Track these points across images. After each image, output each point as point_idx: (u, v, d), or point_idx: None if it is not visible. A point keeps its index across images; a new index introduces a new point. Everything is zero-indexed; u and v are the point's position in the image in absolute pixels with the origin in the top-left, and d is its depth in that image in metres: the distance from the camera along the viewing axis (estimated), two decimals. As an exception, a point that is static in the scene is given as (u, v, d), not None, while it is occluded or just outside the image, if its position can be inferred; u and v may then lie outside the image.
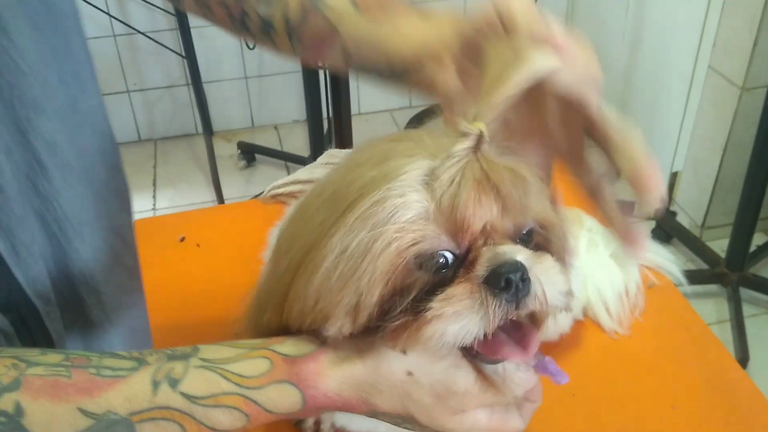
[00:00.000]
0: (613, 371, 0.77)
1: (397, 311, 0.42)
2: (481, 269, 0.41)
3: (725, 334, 1.81)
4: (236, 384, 0.41)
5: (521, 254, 0.42)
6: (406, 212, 0.40)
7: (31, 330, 0.50)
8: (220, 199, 2.27)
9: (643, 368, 0.78)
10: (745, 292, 1.92)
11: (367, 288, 0.41)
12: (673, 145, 2.21)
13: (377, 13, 0.56)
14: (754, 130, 1.74)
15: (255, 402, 0.41)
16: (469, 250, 0.42)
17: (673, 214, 2.22)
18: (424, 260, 0.42)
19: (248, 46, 2.37)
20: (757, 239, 2.00)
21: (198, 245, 0.95)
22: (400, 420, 0.44)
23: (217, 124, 2.62)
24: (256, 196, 1.05)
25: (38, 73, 0.49)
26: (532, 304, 0.42)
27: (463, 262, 0.42)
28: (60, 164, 0.52)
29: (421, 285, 0.42)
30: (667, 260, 0.88)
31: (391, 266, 0.41)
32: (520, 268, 0.41)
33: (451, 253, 0.42)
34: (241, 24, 0.62)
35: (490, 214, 0.42)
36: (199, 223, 1.01)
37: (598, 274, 0.82)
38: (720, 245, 2.03)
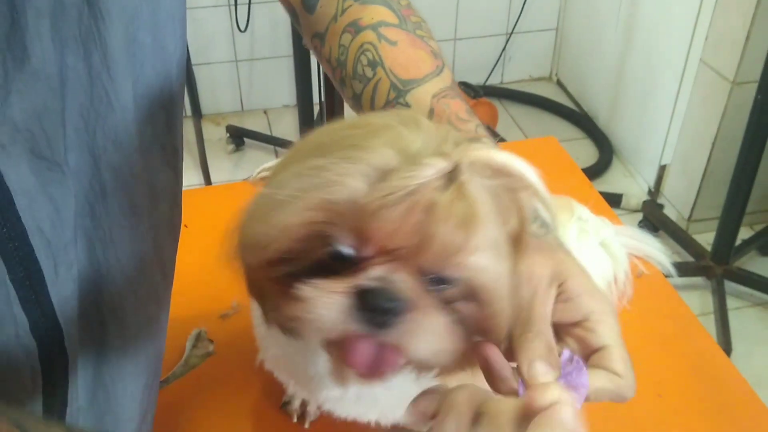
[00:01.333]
0: (600, 359, 0.77)
1: (286, 273, 0.42)
2: (359, 281, 0.40)
3: (709, 326, 1.82)
4: None
5: (406, 294, 0.40)
6: (334, 192, 0.39)
7: (51, 352, 0.49)
8: (208, 183, 2.25)
9: (630, 356, 0.78)
10: (729, 286, 1.93)
11: (271, 238, 0.41)
12: (663, 137, 2.22)
13: None
14: (743, 125, 1.75)
15: None
16: (369, 258, 0.40)
17: (661, 206, 2.23)
18: (323, 243, 0.41)
19: (239, 29, 2.35)
20: (743, 233, 2.01)
21: (186, 226, 0.95)
22: None
23: (206, 107, 2.60)
24: (247, 179, 1.05)
25: (127, 112, 0.49)
26: (391, 340, 0.40)
27: (358, 265, 0.40)
28: (122, 195, 0.51)
29: (313, 261, 0.41)
30: (657, 250, 0.88)
31: (298, 231, 0.40)
32: (391, 302, 0.39)
33: (352, 251, 0.41)
34: (338, 86, 0.63)
35: (406, 244, 0.39)
36: (188, 205, 0.99)
37: (587, 262, 0.82)
38: (706, 238, 2.05)
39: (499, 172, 0.41)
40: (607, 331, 0.47)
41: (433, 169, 0.38)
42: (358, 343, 0.40)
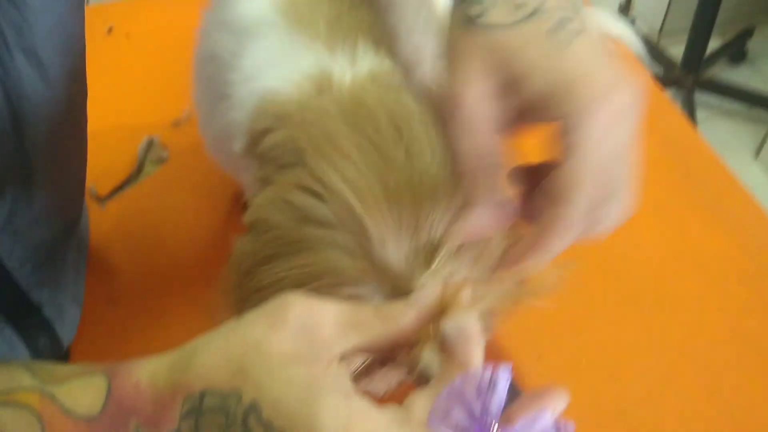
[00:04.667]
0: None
1: None
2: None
3: (678, 137, 1.83)
4: (41, 379, 0.33)
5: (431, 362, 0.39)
6: None
7: None
8: None
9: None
10: (699, 97, 1.92)
11: None
12: (634, -54, 2.12)
13: None
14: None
15: (52, 398, 0.32)
16: None
17: (632, 21, 2.17)
18: None
19: None
20: (714, 43, 1.97)
21: (127, 36, 0.88)
22: None
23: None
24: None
25: None
26: None
27: None
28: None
29: None
30: (625, 31, 0.84)
31: None
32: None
33: None
34: None
35: None
36: (131, 13, 0.93)
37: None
38: (678, 52, 2.01)
39: None
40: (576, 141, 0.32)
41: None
42: None
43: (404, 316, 0.31)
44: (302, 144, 0.41)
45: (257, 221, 0.42)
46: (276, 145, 0.44)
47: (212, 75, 0.53)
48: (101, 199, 0.71)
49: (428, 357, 0.34)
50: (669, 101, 0.80)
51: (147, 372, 0.31)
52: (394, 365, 0.40)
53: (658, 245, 0.67)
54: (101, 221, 0.70)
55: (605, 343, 0.60)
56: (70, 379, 0.32)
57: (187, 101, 0.80)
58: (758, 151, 1.85)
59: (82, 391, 0.32)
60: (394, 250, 0.37)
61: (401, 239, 0.37)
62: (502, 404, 0.25)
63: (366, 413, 0.28)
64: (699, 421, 0.55)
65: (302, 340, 0.29)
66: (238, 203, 0.70)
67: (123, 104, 0.81)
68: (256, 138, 0.46)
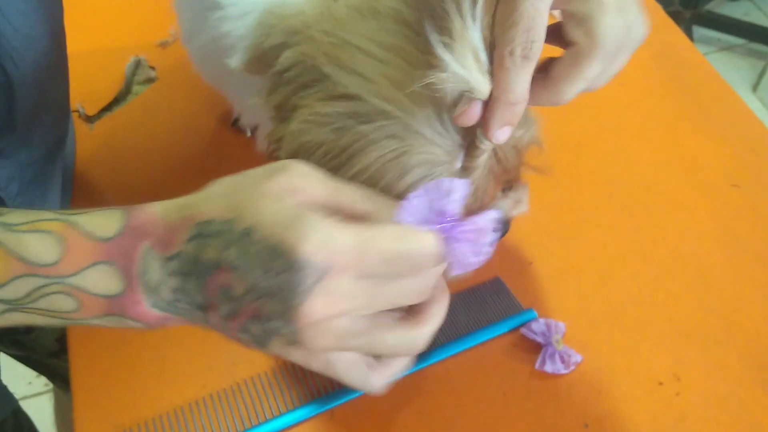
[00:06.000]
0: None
1: None
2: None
3: (676, 72, 1.81)
4: (59, 213, 0.36)
5: (507, 207, 0.45)
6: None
7: None
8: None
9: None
10: (697, 32, 1.89)
11: None
12: None
13: None
14: None
15: (74, 223, 0.35)
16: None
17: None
18: None
19: None
20: (713, -23, 1.94)
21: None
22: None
23: None
24: None
25: None
26: None
27: None
28: None
29: None
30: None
31: None
32: (506, 226, 0.46)
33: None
34: None
35: (498, 194, 0.44)
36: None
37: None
38: (675, -14, 1.97)
39: None
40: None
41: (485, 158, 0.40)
42: None
43: (387, 212, 0.34)
44: (320, 59, 0.40)
45: (299, 148, 0.41)
46: (292, 65, 0.42)
47: (197, -20, 0.51)
48: (90, 119, 0.70)
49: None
50: (663, 14, 0.78)
51: (160, 207, 0.35)
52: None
53: (650, 151, 0.67)
54: (90, 142, 0.69)
55: (596, 249, 0.60)
56: (89, 211, 0.36)
57: (174, 22, 0.79)
58: (756, 86, 1.84)
59: (100, 218, 0.35)
60: (439, 133, 0.38)
61: (444, 123, 0.38)
62: (457, 208, 0.32)
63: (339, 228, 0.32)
64: (688, 324, 0.56)
65: (287, 192, 0.33)
66: (228, 122, 0.70)
67: (107, 25, 0.79)
68: (263, 55, 0.44)
